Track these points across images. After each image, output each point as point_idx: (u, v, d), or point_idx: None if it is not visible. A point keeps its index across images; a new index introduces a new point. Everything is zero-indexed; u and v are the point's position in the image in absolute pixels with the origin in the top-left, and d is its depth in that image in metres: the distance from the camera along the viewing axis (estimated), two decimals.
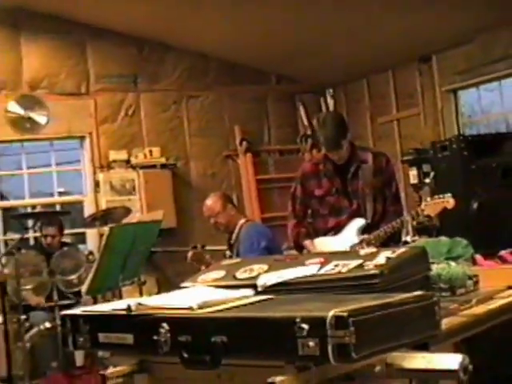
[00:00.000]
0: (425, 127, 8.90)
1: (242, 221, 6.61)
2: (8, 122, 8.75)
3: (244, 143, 9.85)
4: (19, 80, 8.93)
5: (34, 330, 6.92)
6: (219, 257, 6.13)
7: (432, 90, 8.81)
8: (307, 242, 5.47)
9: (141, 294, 6.77)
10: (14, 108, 8.78)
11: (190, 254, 6.71)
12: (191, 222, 9.16)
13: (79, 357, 6.76)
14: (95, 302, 6.95)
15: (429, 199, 5.05)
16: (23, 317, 6.67)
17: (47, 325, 6.88)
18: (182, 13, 8.22)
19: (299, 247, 5.53)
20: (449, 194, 4.98)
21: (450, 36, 7.94)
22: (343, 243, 5.23)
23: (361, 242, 5.19)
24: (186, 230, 9.17)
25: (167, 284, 8.48)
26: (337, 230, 5.39)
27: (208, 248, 6.89)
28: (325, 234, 5.45)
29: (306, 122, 10.16)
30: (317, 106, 10.28)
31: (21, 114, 8.80)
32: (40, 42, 9.00)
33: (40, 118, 8.88)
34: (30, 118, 8.83)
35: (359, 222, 5.30)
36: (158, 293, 7.30)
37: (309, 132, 10.08)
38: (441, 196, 4.99)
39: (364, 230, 5.28)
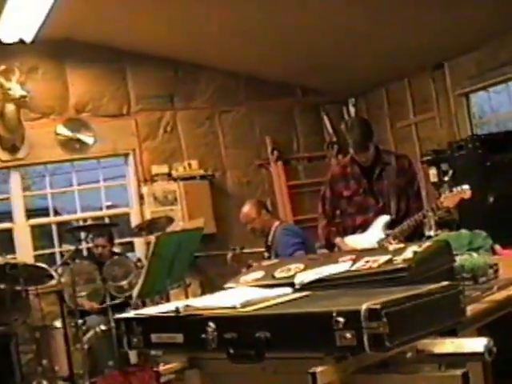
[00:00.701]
0: (440, 129, 8.84)
1: (277, 223, 6.62)
2: (58, 143, 8.82)
3: (275, 152, 9.84)
4: (66, 105, 8.97)
5: (91, 333, 6.97)
6: (257, 258, 6.12)
7: (445, 94, 8.75)
8: (338, 240, 5.47)
9: (186, 296, 6.76)
10: (63, 131, 8.84)
11: (229, 255, 6.71)
12: (230, 227, 9.14)
13: (133, 355, 6.78)
14: (144, 305, 6.98)
15: (447, 192, 5.03)
16: (80, 321, 6.74)
17: (102, 327, 6.93)
18: (212, 35, 8.24)
19: (330, 245, 5.53)
20: (466, 186, 4.94)
21: (460, 44, 7.89)
22: (371, 239, 5.23)
23: (387, 237, 5.18)
24: (225, 234, 9.16)
25: (210, 285, 8.47)
26: (364, 226, 5.39)
27: (246, 250, 6.89)
28: (353, 231, 5.46)
29: (330, 130, 10.13)
30: (340, 114, 10.26)
31: (69, 136, 8.86)
32: (84, 69, 9.04)
33: (87, 138, 8.94)
34: (78, 140, 8.89)
35: (385, 219, 5.30)
36: (202, 294, 7.30)
37: (334, 139, 10.05)
38: (458, 188, 4.96)
39: (389, 226, 5.28)
